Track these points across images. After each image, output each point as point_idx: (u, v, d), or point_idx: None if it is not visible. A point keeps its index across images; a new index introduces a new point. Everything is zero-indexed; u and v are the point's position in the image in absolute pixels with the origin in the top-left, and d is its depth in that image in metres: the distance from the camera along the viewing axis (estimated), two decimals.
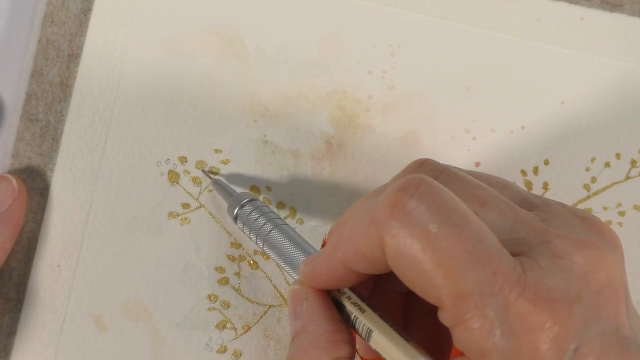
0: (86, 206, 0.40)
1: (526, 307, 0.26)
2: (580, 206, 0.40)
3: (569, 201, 0.40)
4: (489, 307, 0.26)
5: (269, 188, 0.41)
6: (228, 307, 0.40)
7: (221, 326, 0.40)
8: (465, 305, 0.26)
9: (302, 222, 0.41)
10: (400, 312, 0.35)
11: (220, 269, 0.40)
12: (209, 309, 0.40)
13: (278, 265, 0.40)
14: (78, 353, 0.40)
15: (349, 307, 0.31)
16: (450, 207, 0.27)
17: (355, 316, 0.31)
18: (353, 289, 0.32)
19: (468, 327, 0.26)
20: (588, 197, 0.40)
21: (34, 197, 0.40)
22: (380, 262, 0.28)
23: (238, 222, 0.37)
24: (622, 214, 0.40)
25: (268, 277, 0.41)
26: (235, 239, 0.41)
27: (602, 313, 0.27)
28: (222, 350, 0.40)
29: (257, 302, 0.41)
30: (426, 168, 0.31)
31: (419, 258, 0.27)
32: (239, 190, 0.39)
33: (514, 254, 0.27)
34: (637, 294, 0.40)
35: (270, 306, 0.41)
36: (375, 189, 0.32)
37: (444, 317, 0.27)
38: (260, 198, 0.41)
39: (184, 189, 0.41)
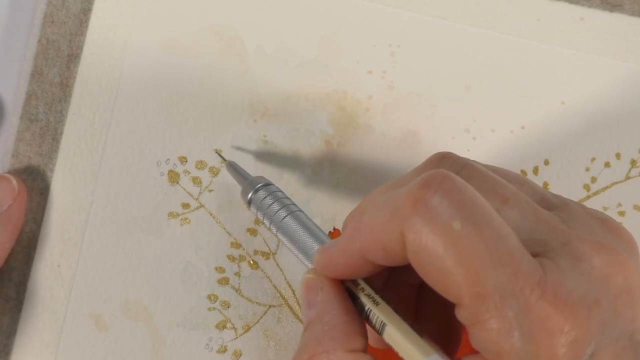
0: (86, 206, 0.40)
1: (546, 310, 0.26)
2: None
3: None
4: (509, 307, 0.26)
5: None
6: (228, 307, 0.40)
7: (221, 326, 0.40)
8: (485, 305, 0.26)
9: None
10: (412, 303, 0.34)
11: (220, 269, 0.40)
12: (209, 309, 0.40)
13: (278, 266, 0.40)
14: (78, 353, 0.40)
15: (363, 299, 0.31)
16: (474, 204, 0.27)
17: (369, 308, 0.31)
18: (367, 280, 0.31)
19: (486, 327, 0.26)
20: (588, 197, 0.40)
21: (34, 197, 0.40)
22: (399, 255, 0.28)
23: (252, 207, 0.36)
24: (622, 214, 0.40)
25: (268, 277, 0.41)
26: (235, 239, 0.41)
27: (619, 318, 0.27)
28: (222, 350, 0.40)
29: (257, 302, 0.41)
30: (448, 162, 0.31)
31: (440, 255, 0.26)
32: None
33: (534, 255, 0.27)
34: None
35: (270, 306, 0.41)
36: (395, 179, 0.32)
37: (462, 315, 0.27)
38: None
39: (184, 189, 0.41)
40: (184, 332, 0.40)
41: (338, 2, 0.41)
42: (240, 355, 0.40)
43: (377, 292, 0.31)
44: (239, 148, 0.40)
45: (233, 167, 0.39)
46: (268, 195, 0.36)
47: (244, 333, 0.41)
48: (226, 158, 0.40)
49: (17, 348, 0.40)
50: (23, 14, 0.41)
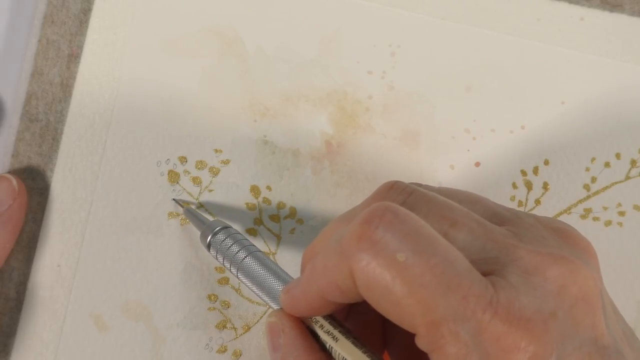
0: (86, 206, 0.40)
1: (500, 329, 0.26)
2: (580, 206, 0.40)
3: (568, 201, 0.40)
4: (463, 331, 0.26)
5: (269, 188, 0.41)
6: (228, 307, 0.40)
7: (221, 326, 0.40)
8: (440, 331, 0.26)
9: (302, 223, 0.41)
10: (379, 329, 0.35)
11: (220, 269, 0.40)
12: (209, 309, 0.40)
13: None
14: (78, 353, 0.40)
15: (322, 336, 0.31)
16: (417, 233, 0.27)
17: (329, 345, 0.31)
18: (327, 316, 0.32)
19: (444, 352, 0.26)
20: (588, 197, 0.40)
21: (34, 197, 0.40)
22: (355, 292, 0.28)
23: (211, 250, 0.37)
24: (622, 214, 0.40)
25: None
26: None
27: (579, 326, 0.27)
28: (222, 350, 0.40)
29: (257, 302, 0.41)
30: (395, 191, 0.31)
31: (389, 288, 0.27)
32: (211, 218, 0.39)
33: (486, 274, 0.27)
34: (638, 294, 0.40)
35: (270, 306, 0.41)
36: (348, 211, 0.32)
37: (421, 344, 0.27)
38: (260, 198, 0.41)
39: (184, 189, 0.41)
40: (184, 332, 0.40)
41: (338, 2, 0.41)
42: (240, 355, 0.41)
43: (337, 326, 0.31)
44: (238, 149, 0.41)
45: (191, 213, 0.39)
46: (227, 237, 0.36)
47: (244, 333, 0.41)
48: (183, 204, 0.40)
49: (17, 348, 0.40)
50: (23, 14, 0.41)
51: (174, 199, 0.40)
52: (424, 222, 0.28)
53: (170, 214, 0.40)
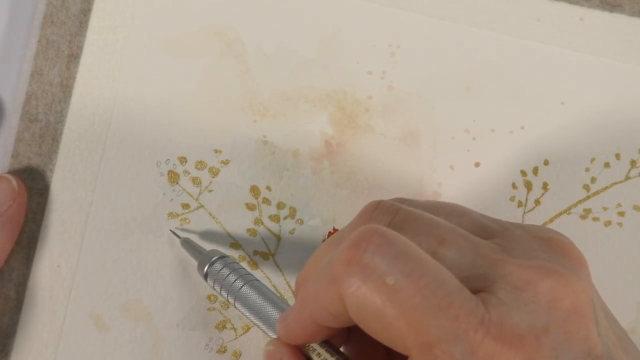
0: (86, 206, 0.40)
1: (493, 347, 0.26)
2: (580, 206, 0.40)
3: (568, 201, 0.40)
4: (457, 351, 0.26)
5: (269, 188, 0.41)
6: (228, 307, 0.41)
7: (221, 326, 0.40)
8: (433, 353, 0.26)
9: (302, 223, 0.41)
10: (382, 349, 0.34)
11: None
12: (209, 309, 0.40)
13: (277, 266, 0.40)
14: (78, 353, 0.40)
15: None
16: (406, 255, 0.27)
17: None
18: (324, 342, 0.32)
19: None
20: (588, 197, 0.40)
21: (34, 197, 0.40)
22: (347, 317, 0.28)
23: (209, 280, 0.37)
24: (621, 214, 0.40)
25: (267, 278, 0.41)
26: (234, 239, 0.41)
27: (572, 339, 0.27)
28: (222, 350, 0.40)
29: None
30: (380, 211, 0.31)
31: (380, 311, 0.27)
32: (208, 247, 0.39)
33: (476, 291, 0.27)
34: (638, 294, 0.40)
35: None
36: (336, 233, 0.32)
37: None
38: (260, 198, 0.41)
39: (184, 189, 0.41)
40: (184, 332, 0.40)
41: (338, 2, 0.41)
42: (240, 355, 0.41)
43: (334, 353, 0.31)
44: (238, 148, 0.41)
45: (188, 243, 0.39)
46: (224, 266, 0.36)
47: (243, 333, 0.41)
48: (180, 235, 0.40)
49: (16, 348, 0.40)
50: (23, 14, 0.41)
51: (170, 230, 0.40)
52: (411, 243, 0.28)
53: (170, 214, 0.40)
